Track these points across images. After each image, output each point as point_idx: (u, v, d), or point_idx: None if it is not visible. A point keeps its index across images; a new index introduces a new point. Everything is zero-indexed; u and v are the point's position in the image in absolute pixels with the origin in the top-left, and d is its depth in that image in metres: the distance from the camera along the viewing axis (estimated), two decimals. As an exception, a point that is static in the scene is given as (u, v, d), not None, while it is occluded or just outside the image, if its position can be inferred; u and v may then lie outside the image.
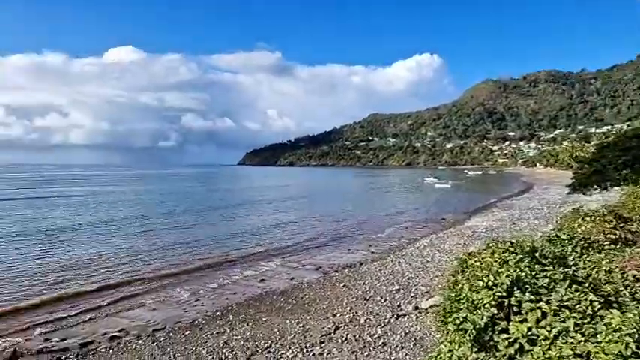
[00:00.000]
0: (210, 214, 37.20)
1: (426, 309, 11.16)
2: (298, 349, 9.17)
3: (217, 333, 10.58)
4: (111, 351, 9.88)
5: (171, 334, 10.85)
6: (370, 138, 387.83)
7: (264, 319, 11.48)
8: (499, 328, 4.16)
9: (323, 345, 9.36)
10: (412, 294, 12.86)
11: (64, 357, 9.63)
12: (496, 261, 5.07)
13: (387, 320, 10.64)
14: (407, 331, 9.85)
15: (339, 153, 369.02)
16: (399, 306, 11.77)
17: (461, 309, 4.45)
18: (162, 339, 10.48)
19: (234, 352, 9.27)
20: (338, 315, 11.29)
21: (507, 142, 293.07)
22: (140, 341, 10.38)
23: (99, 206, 44.14)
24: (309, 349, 9.17)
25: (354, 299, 12.62)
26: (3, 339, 10.69)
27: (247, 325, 11.06)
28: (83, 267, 18.17)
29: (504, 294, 4.35)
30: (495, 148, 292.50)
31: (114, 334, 11.02)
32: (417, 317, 10.69)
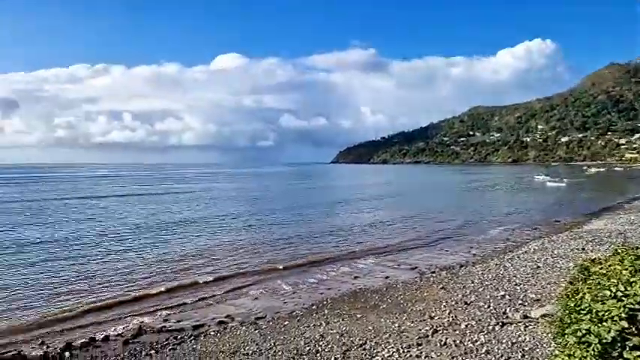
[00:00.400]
0: (307, 212, 38.45)
1: (537, 318, 10.16)
2: (394, 349, 8.99)
3: (314, 326, 10.87)
4: (219, 334, 10.76)
5: (271, 322, 11.45)
6: (471, 133, 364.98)
7: (358, 315, 11.50)
8: (630, 344, 3.61)
9: (420, 347, 9.05)
10: (520, 301, 11.81)
11: (179, 336, 10.75)
12: (627, 269, 4.38)
13: (490, 327, 9.91)
14: (514, 340, 9.06)
15: (436, 149, 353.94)
16: (504, 313, 10.90)
17: (582, 320, 3.94)
18: (263, 327, 11.11)
19: (330, 346, 9.43)
20: (436, 318, 10.83)
21: (638, 135, 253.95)
22: (244, 327, 11.14)
23: (208, 202, 48.45)
24: (406, 350, 8.93)
25: (453, 303, 12.00)
26: (133, 318, 12.35)
27: (342, 320, 11.18)
28: (197, 258, 20.06)
29: (638, 306, 3.76)
30: (622, 141, 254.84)
31: (221, 319, 12.02)
32: (526, 327, 9.78)
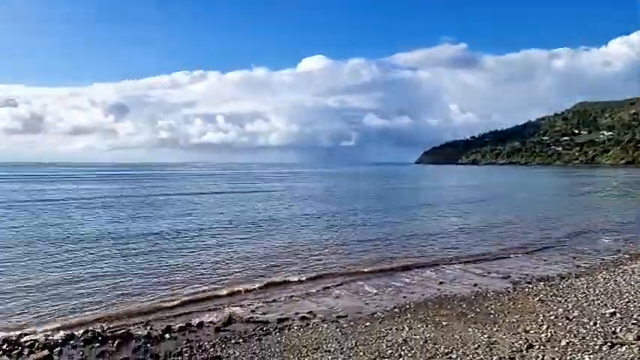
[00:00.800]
0: (391, 213, 37.83)
1: (657, 342, 8.83)
2: (482, 362, 8.44)
3: (396, 329, 10.65)
4: (302, 329, 11.06)
5: (352, 322, 11.46)
6: (576, 131, 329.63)
7: (443, 323, 11.01)
8: None
9: (512, 362, 8.38)
10: (634, 320, 10.36)
11: (264, 327, 11.28)
12: None
13: (597, 347, 8.84)
14: (626, 365, 7.98)
15: (534, 149, 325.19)
16: (613, 332, 9.64)
17: None
18: (344, 325, 11.17)
19: (413, 352, 9.16)
20: (531, 332, 9.96)
21: None
22: (325, 325, 11.31)
23: (293, 201, 50.03)
24: (496, 364, 8.33)
25: (552, 317, 10.93)
26: (227, 307, 13.27)
27: (426, 326, 10.79)
28: (284, 256, 20.65)
29: None
30: None
31: (304, 315, 12.35)
32: (642, 350, 8.55)
